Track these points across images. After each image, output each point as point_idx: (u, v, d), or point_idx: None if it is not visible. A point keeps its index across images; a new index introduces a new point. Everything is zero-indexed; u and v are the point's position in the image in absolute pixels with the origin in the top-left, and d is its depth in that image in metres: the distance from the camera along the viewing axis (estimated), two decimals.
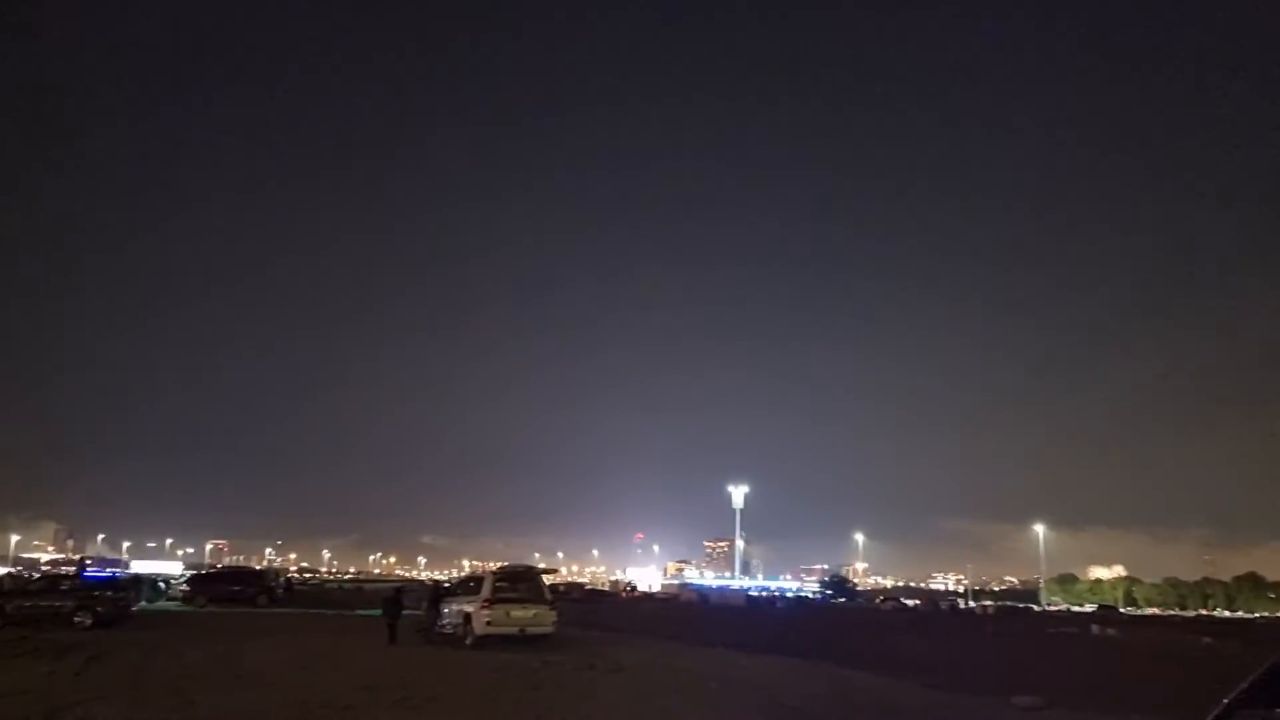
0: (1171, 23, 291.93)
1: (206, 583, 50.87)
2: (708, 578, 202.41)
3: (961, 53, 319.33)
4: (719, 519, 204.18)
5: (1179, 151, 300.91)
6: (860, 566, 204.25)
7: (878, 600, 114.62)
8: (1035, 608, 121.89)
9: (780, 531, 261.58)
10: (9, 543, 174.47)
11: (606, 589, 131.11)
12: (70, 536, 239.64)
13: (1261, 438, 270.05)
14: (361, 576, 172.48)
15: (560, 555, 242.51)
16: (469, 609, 24.70)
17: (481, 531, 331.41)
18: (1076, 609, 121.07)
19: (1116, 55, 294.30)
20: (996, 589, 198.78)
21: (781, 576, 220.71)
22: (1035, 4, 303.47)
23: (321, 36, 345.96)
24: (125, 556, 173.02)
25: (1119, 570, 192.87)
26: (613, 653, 22.74)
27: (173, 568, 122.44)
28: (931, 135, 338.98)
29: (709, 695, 15.95)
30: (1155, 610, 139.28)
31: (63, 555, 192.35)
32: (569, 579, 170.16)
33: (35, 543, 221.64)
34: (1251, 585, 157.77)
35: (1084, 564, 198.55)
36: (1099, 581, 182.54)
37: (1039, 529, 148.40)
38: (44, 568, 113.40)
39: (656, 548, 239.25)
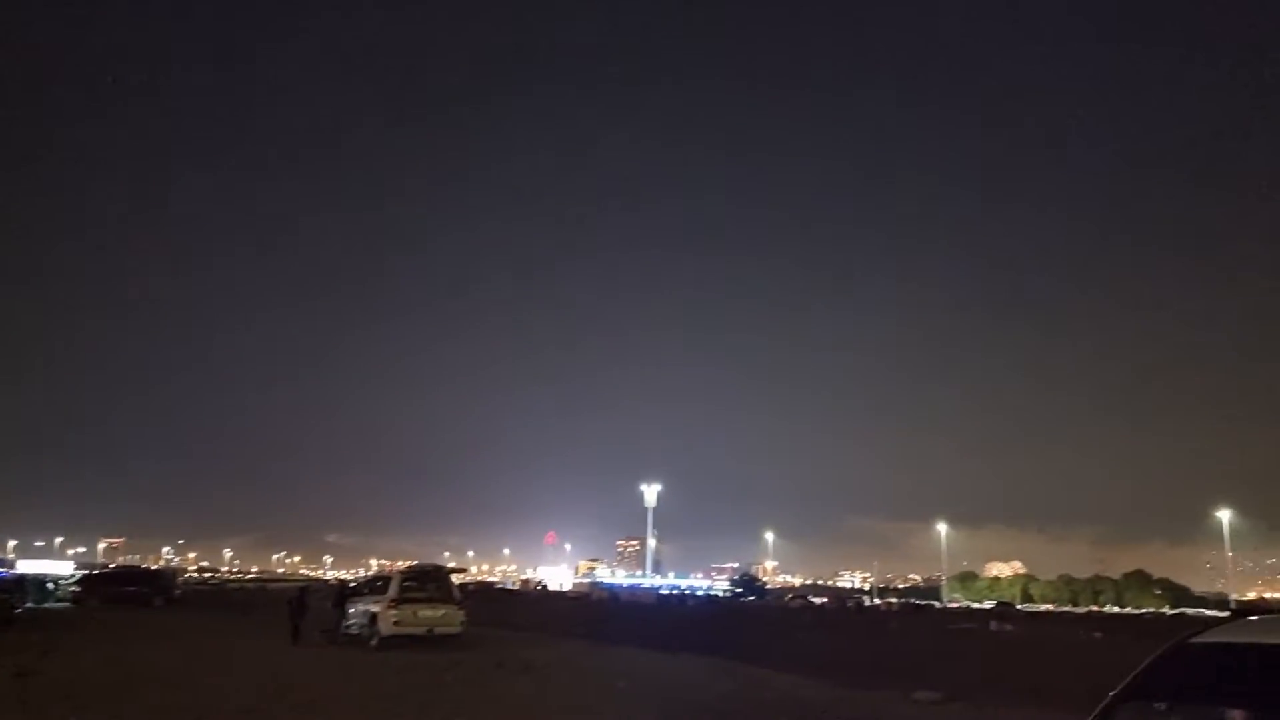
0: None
1: (99, 583, 49.04)
2: (619, 576, 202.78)
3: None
4: (631, 518, 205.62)
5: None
6: (770, 565, 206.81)
7: (786, 598, 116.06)
8: (937, 604, 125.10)
9: (692, 530, 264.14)
10: None
11: (517, 588, 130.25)
12: None
13: (1147, 444, 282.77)
14: (265, 576, 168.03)
15: (470, 554, 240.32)
16: (375, 609, 24.29)
17: (390, 530, 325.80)
18: (976, 606, 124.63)
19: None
20: (901, 586, 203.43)
21: (692, 575, 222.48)
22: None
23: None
24: (11, 556, 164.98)
25: (1017, 566, 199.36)
26: (522, 652, 22.60)
27: (63, 567, 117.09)
28: (863, 115, 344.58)
29: (617, 694, 15.94)
30: (1050, 606, 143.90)
31: None
32: (479, 578, 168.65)
33: None
34: (1139, 582, 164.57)
35: (983, 562, 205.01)
36: (997, 579, 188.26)
37: (941, 528, 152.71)
38: None
39: (568, 546, 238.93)
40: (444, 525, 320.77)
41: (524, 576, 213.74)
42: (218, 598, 57.01)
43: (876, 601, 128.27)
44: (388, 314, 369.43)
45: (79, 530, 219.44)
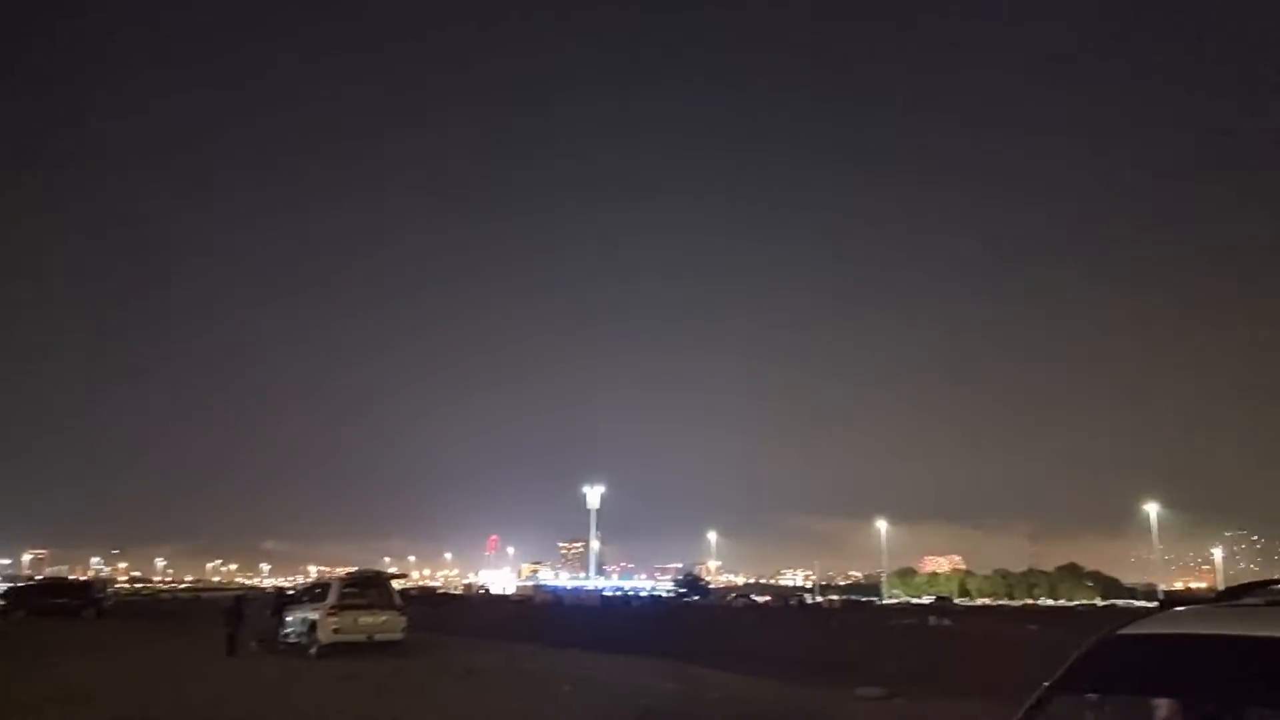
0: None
1: (26, 595, 47.48)
2: (563, 579, 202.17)
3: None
4: (574, 520, 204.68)
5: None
6: (713, 564, 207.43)
7: (730, 598, 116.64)
8: (878, 601, 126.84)
9: (636, 532, 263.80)
10: None
11: (460, 593, 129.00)
12: None
13: (1077, 439, 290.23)
14: (200, 585, 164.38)
15: (412, 559, 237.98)
16: (314, 616, 23.91)
17: (328, 536, 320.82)
18: (916, 601, 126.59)
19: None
20: (842, 583, 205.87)
21: (636, 576, 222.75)
22: None
23: None
24: None
25: (956, 561, 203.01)
26: (465, 657, 22.44)
27: None
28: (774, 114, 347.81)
29: (562, 696, 15.89)
30: (986, 600, 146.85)
31: None
32: (421, 583, 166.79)
33: None
34: (1072, 575, 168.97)
35: (921, 557, 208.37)
36: (936, 574, 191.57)
37: (881, 524, 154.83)
38: None
39: (511, 550, 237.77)
40: (385, 530, 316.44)
41: (467, 581, 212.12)
42: (150, 608, 55.58)
43: (819, 599, 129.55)
44: (323, 319, 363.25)
45: (3, 541, 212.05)
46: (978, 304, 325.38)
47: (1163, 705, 2.17)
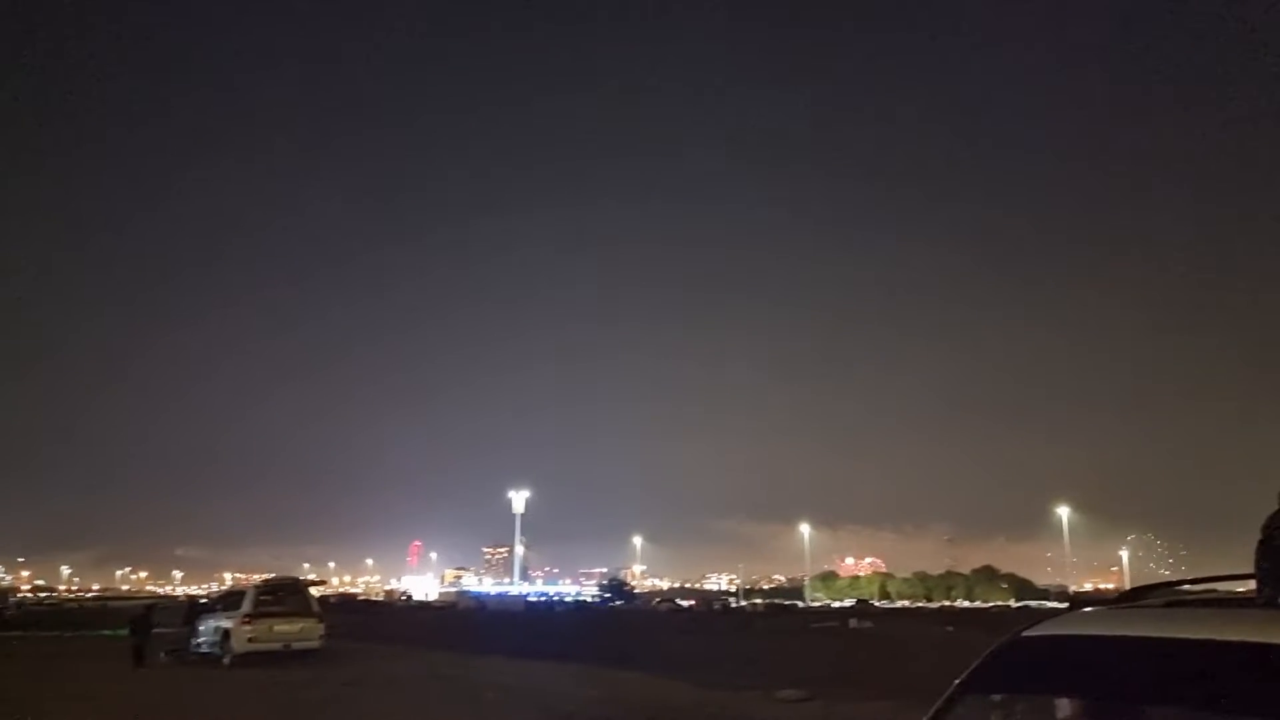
0: None
1: None
2: (487, 585, 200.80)
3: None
4: (499, 525, 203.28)
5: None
6: (638, 569, 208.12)
7: (654, 602, 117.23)
8: (800, 604, 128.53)
9: (561, 536, 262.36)
10: None
11: (381, 599, 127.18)
12: None
13: (994, 442, 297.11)
14: (109, 594, 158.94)
15: (332, 565, 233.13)
16: (228, 625, 23.31)
17: (244, 542, 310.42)
18: (837, 604, 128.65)
19: None
20: (766, 587, 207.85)
21: (561, 581, 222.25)
22: None
23: None
24: None
25: (878, 565, 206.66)
26: (385, 665, 22.14)
27: None
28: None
29: (484, 705, 15.74)
30: (906, 602, 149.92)
31: None
32: (341, 590, 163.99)
33: None
34: (988, 576, 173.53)
35: (842, 560, 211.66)
36: (858, 578, 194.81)
37: (805, 529, 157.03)
38: None
39: (434, 555, 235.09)
40: (303, 536, 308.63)
41: (388, 587, 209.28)
42: (56, 618, 53.38)
43: (743, 603, 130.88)
44: (238, 321, 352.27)
45: None
46: (897, 308, 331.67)
47: (1066, 705, 2.22)
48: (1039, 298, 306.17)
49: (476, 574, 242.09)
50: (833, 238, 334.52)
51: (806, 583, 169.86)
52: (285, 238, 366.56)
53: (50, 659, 25.81)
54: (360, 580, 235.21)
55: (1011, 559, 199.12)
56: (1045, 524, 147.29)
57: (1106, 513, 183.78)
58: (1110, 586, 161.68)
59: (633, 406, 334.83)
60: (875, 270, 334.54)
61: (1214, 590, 2.60)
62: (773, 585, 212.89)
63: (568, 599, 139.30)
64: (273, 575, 33.61)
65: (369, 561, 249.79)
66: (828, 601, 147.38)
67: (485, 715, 14.89)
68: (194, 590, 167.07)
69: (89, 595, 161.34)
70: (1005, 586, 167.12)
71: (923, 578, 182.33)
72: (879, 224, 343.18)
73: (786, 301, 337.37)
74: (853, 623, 52.66)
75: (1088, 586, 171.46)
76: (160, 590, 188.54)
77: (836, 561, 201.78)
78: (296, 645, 23.19)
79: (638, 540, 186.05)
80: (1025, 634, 2.21)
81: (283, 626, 23.36)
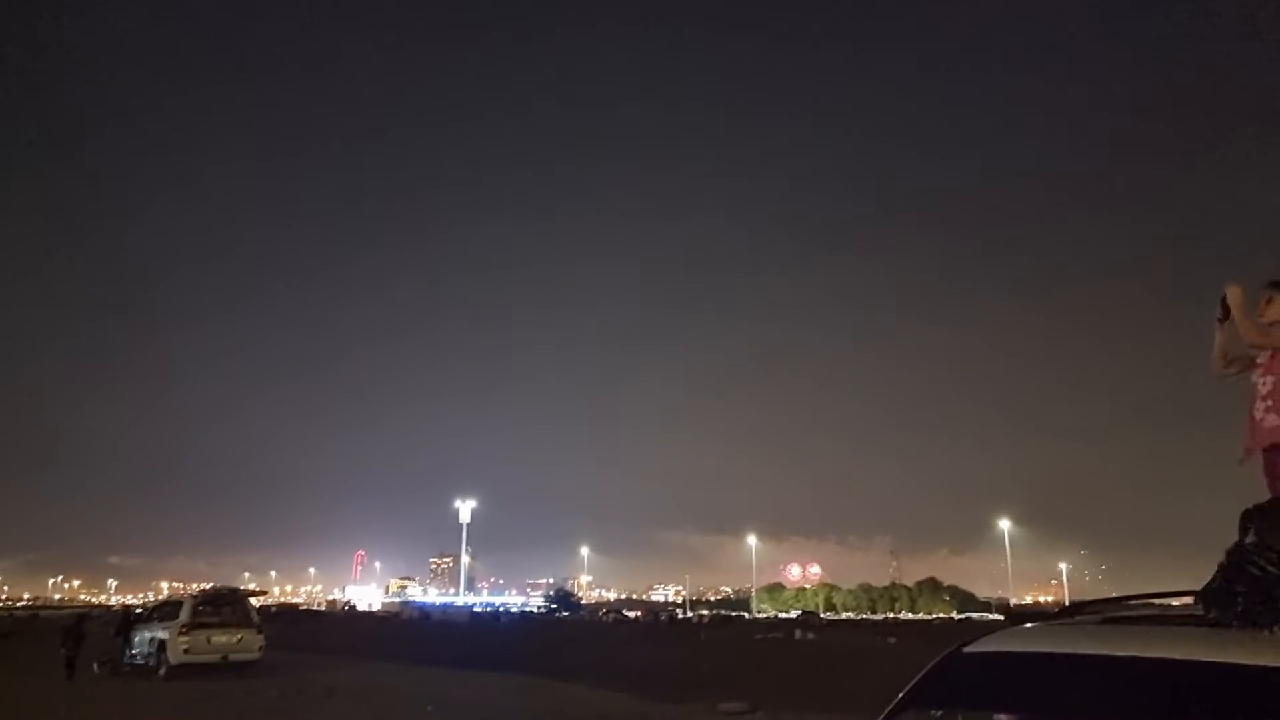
0: None
1: None
2: (432, 595, 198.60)
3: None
4: (445, 535, 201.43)
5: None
6: (585, 580, 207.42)
7: (601, 613, 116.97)
8: (747, 615, 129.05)
9: (508, 546, 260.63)
10: None
11: (323, 609, 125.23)
12: None
13: (935, 455, 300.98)
14: (39, 603, 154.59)
15: (273, 575, 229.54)
16: (164, 635, 22.75)
17: (180, 550, 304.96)
18: (783, 615, 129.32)
19: None
20: (713, 598, 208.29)
21: (507, 591, 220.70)
22: None
23: None
24: None
25: (820, 575, 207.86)
26: (325, 676, 21.79)
27: None
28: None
29: (426, 718, 15.52)
30: (850, 614, 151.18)
31: None
32: (282, 600, 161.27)
33: None
34: (930, 588, 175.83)
35: (786, 566, 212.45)
36: (803, 590, 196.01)
37: (751, 540, 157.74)
38: None
39: (379, 565, 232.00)
40: (243, 545, 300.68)
41: (331, 597, 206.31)
42: None
43: (689, 614, 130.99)
44: (173, 320, 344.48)
45: None
46: (847, 320, 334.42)
47: None
48: (983, 313, 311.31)
49: (422, 584, 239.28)
50: (787, 254, 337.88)
51: (753, 594, 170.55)
52: (228, 248, 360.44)
53: None
54: (303, 590, 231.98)
55: (955, 571, 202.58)
56: (987, 537, 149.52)
57: (1048, 526, 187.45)
58: (1049, 600, 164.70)
59: (581, 417, 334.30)
60: (823, 284, 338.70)
61: (1151, 606, 2.65)
62: (719, 596, 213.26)
63: (514, 609, 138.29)
64: (211, 585, 32.91)
65: (312, 571, 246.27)
66: (774, 613, 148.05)
67: None
68: (130, 600, 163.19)
69: (19, 604, 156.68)
70: (948, 599, 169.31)
71: (867, 589, 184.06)
72: (834, 237, 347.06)
73: (731, 316, 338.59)
74: (798, 634, 52.93)
75: (1028, 599, 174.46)
76: (94, 600, 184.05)
77: (780, 570, 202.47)
78: (234, 657, 22.73)
79: (585, 551, 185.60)
80: (966, 650, 2.22)
81: (221, 638, 22.89)
